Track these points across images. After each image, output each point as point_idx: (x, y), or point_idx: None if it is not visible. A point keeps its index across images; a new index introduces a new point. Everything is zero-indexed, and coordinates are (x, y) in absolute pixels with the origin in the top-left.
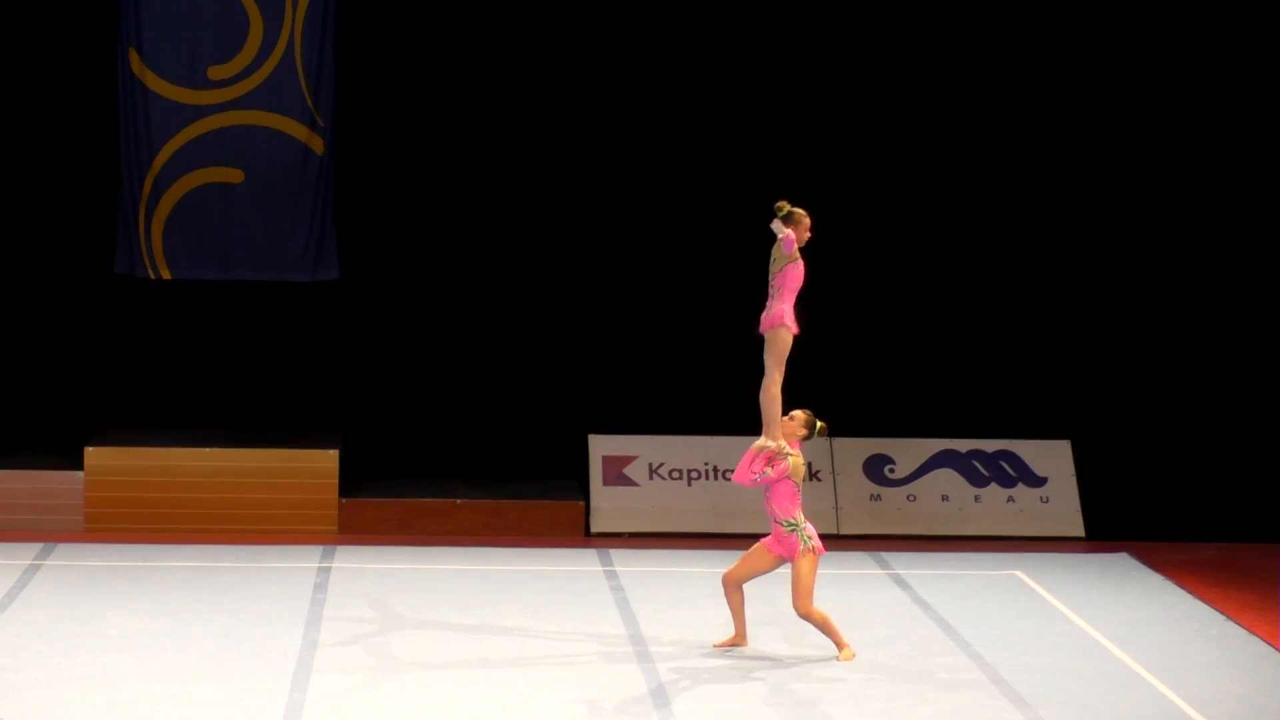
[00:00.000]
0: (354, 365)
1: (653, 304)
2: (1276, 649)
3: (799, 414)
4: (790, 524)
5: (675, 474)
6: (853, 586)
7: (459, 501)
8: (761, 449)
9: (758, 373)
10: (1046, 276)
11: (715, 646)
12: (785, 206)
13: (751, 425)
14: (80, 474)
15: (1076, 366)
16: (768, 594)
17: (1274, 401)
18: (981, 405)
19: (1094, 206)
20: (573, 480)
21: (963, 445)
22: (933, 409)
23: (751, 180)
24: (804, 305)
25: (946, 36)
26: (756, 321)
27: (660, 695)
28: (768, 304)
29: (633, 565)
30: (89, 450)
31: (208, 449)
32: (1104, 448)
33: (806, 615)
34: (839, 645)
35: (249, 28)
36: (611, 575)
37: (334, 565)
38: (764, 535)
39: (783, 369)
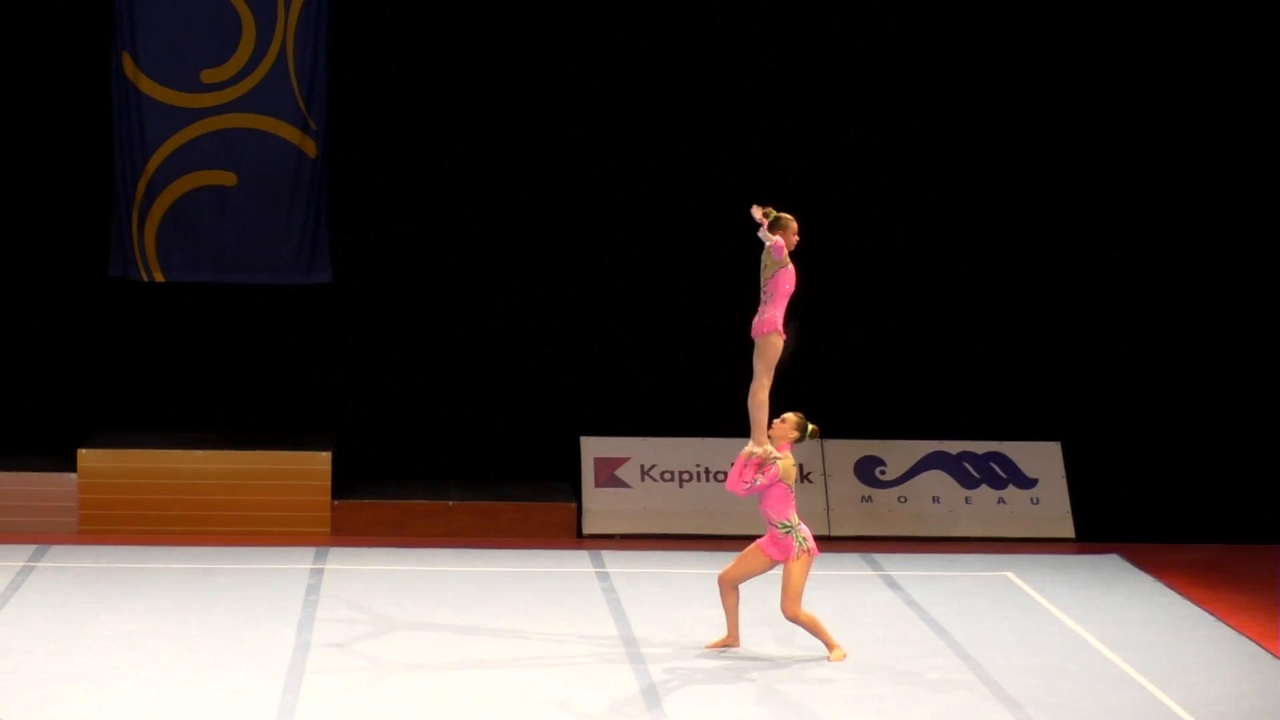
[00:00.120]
0: (347, 367)
1: (645, 306)
2: (1266, 649)
3: (790, 417)
4: (785, 526)
5: (667, 476)
6: (844, 588)
7: (451, 503)
8: (750, 455)
9: (749, 375)
10: (1037, 279)
11: (708, 647)
12: (772, 212)
13: (744, 427)
14: (74, 476)
15: (1067, 368)
16: (760, 595)
17: (1264, 403)
18: (972, 407)
19: (1084, 210)
20: (565, 482)
21: (953, 447)
22: (923, 411)
23: (743, 183)
24: (795, 307)
25: (937, 40)
26: (749, 326)
27: (652, 696)
28: (760, 309)
29: (624, 566)
30: (83, 452)
31: (201, 451)
32: (1094, 449)
33: (794, 618)
34: (829, 646)
35: (242, 31)
36: (603, 576)
37: (326, 566)
38: (757, 536)
39: (772, 375)
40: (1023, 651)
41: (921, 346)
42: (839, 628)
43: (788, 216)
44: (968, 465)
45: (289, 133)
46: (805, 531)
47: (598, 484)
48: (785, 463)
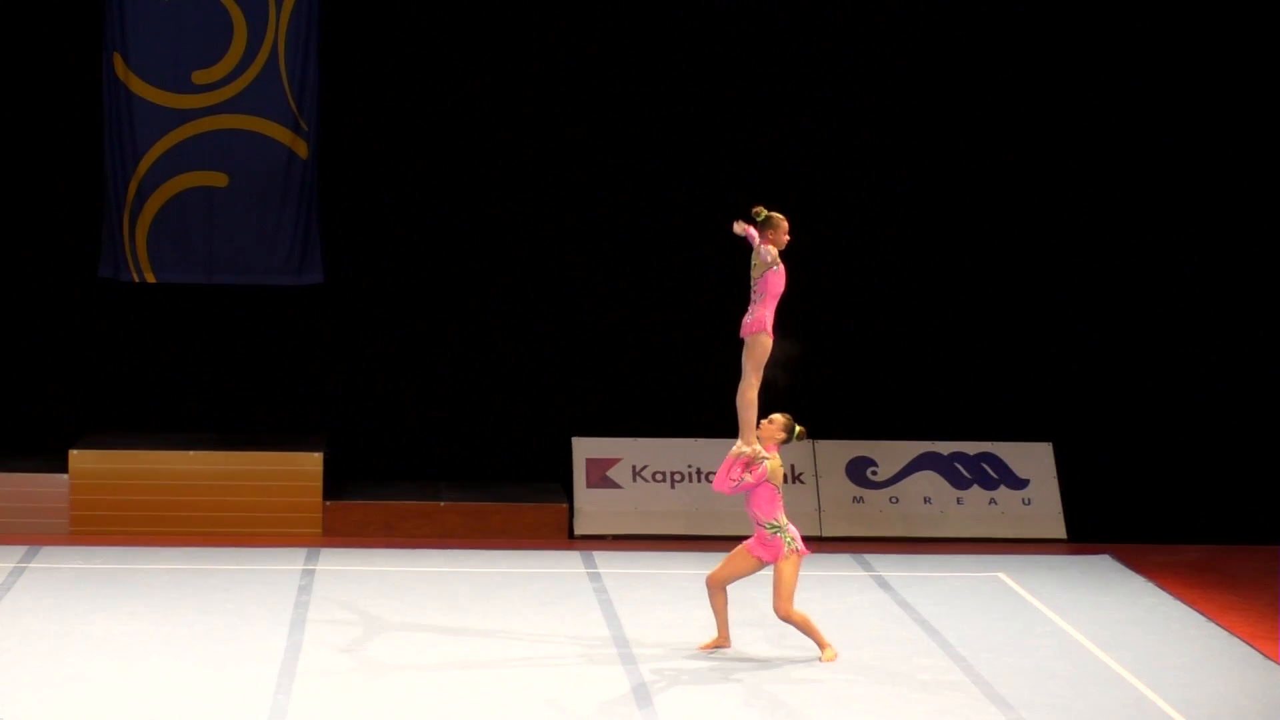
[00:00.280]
0: (338, 368)
1: (636, 307)
2: (1258, 650)
3: (778, 417)
4: (773, 526)
5: (659, 476)
6: (835, 588)
7: (443, 504)
8: (739, 455)
9: (740, 376)
10: (1028, 280)
11: (699, 649)
12: (763, 211)
13: (735, 428)
14: (65, 477)
15: (1058, 369)
16: (749, 596)
17: (1256, 404)
18: (963, 408)
19: (1076, 210)
20: (556, 483)
21: (945, 448)
22: (915, 411)
23: (734, 184)
24: (787, 308)
25: (925, 40)
26: (738, 326)
27: (643, 696)
28: (749, 309)
29: (616, 567)
30: (74, 453)
31: (192, 452)
32: (1086, 450)
33: (787, 617)
34: (821, 646)
35: (233, 32)
36: (595, 577)
37: (318, 567)
38: (748, 537)
39: (760, 374)
40: (1014, 652)
41: (913, 347)
42: (830, 628)
43: (778, 216)
44: (959, 466)
45: (280, 133)
46: (793, 531)
47: (589, 484)
48: (773, 463)
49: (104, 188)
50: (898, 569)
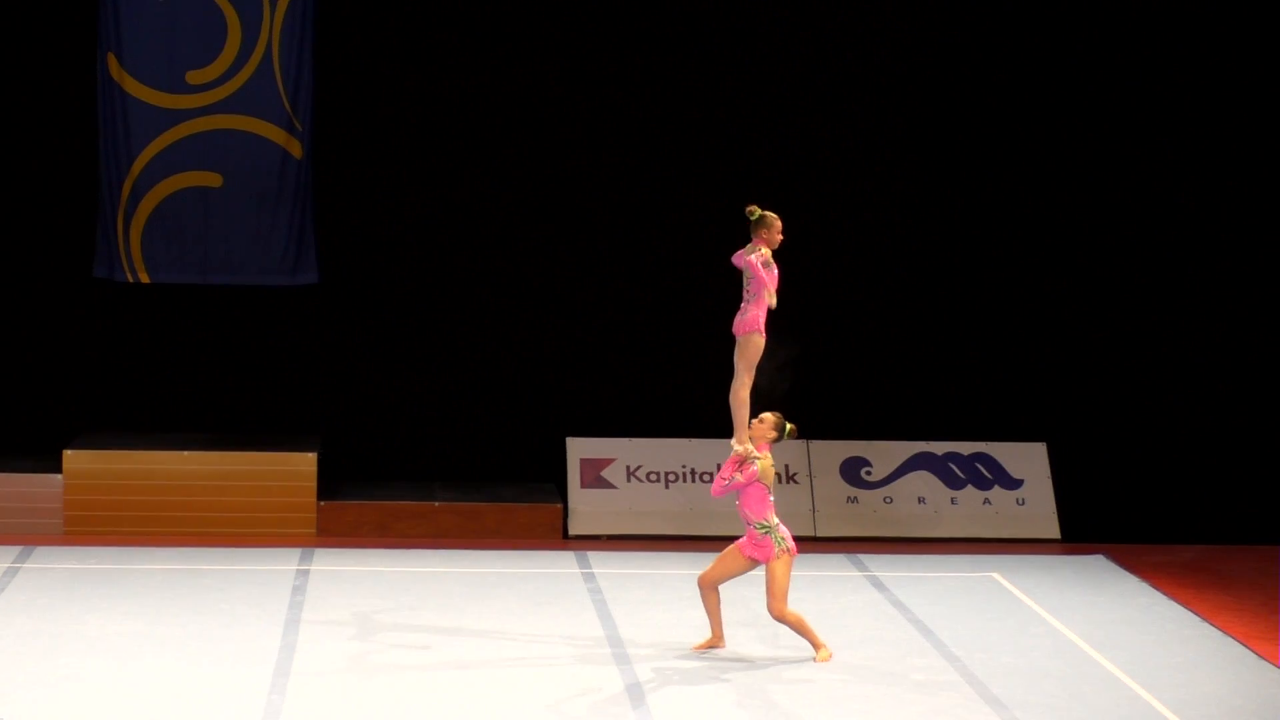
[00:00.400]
0: (333, 368)
1: (630, 307)
2: (1252, 650)
3: (768, 416)
4: (763, 526)
5: (653, 476)
6: (829, 588)
7: (437, 504)
8: (733, 454)
9: (733, 375)
10: (1022, 280)
11: (694, 649)
12: (756, 210)
13: (730, 428)
14: (59, 477)
15: (1052, 369)
16: (742, 596)
17: (1250, 404)
18: (958, 408)
19: (1070, 211)
20: (550, 483)
21: (939, 448)
22: (909, 412)
23: (729, 184)
24: (782, 308)
25: (919, 40)
26: (730, 324)
27: (637, 696)
28: (742, 307)
29: (610, 567)
30: (68, 454)
31: (186, 452)
32: (1080, 450)
33: (781, 617)
34: (816, 646)
35: (227, 33)
36: (589, 577)
37: (312, 567)
38: (740, 538)
39: (753, 373)
40: (1008, 652)
41: (907, 347)
42: (824, 629)
43: (771, 215)
44: (953, 466)
45: (274, 134)
46: (784, 531)
47: (583, 485)
48: (764, 463)
49: (98, 188)
50: (892, 569)
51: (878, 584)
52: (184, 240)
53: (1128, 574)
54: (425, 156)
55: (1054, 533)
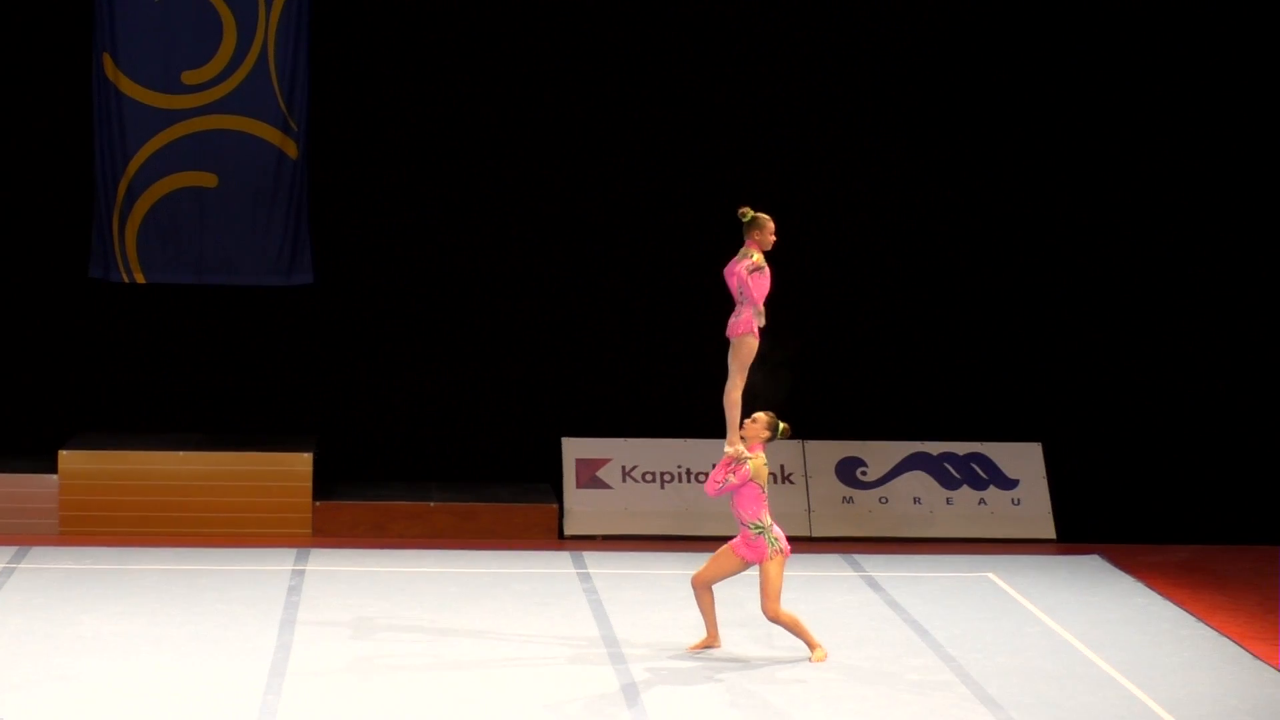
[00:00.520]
0: (328, 369)
1: (626, 308)
2: (1246, 650)
3: (761, 416)
4: (757, 527)
5: (648, 477)
6: (825, 589)
7: (433, 504)
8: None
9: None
10: (1018, 281)
11: (689, 650)
12: (749, 212)
13: (725, 429)
14: (54, 477)
15: (1048, 369)
16: (736, 597)
17: (1244, 404)
18: (953, 408)
19: (1065, 211)
20: (546, 483)
21: (934, 448)
22: (905, 412)
23: (724, 184)
24: (778, 308)
25: (913, 40)
26: (724, 326)
27: (632, 696)
28: (736, 310)
29: (606, 567)
30: (63, 454)
31: (182, 452)
32: (1075, 450)
33: (775, 618)
34: (811, 646)
35: (223, 33)
36: (585, 577)
37: (308, 568)
38: (734, 538)
39: (745, 375)
40: (1004, 652)
41: (903, 347)
42: (820, 629)
43: (764, 216)
44: (949, 466)
45: (270, 134)
46: (777, 532)
47: (579, 485)
48: (756, 463)
49: (94, 188)
50: (887, 569)
51: (873, 584)
52: (179, 240)
53: (1123, 574)
54: (421, 157)
55: (1049, 533)
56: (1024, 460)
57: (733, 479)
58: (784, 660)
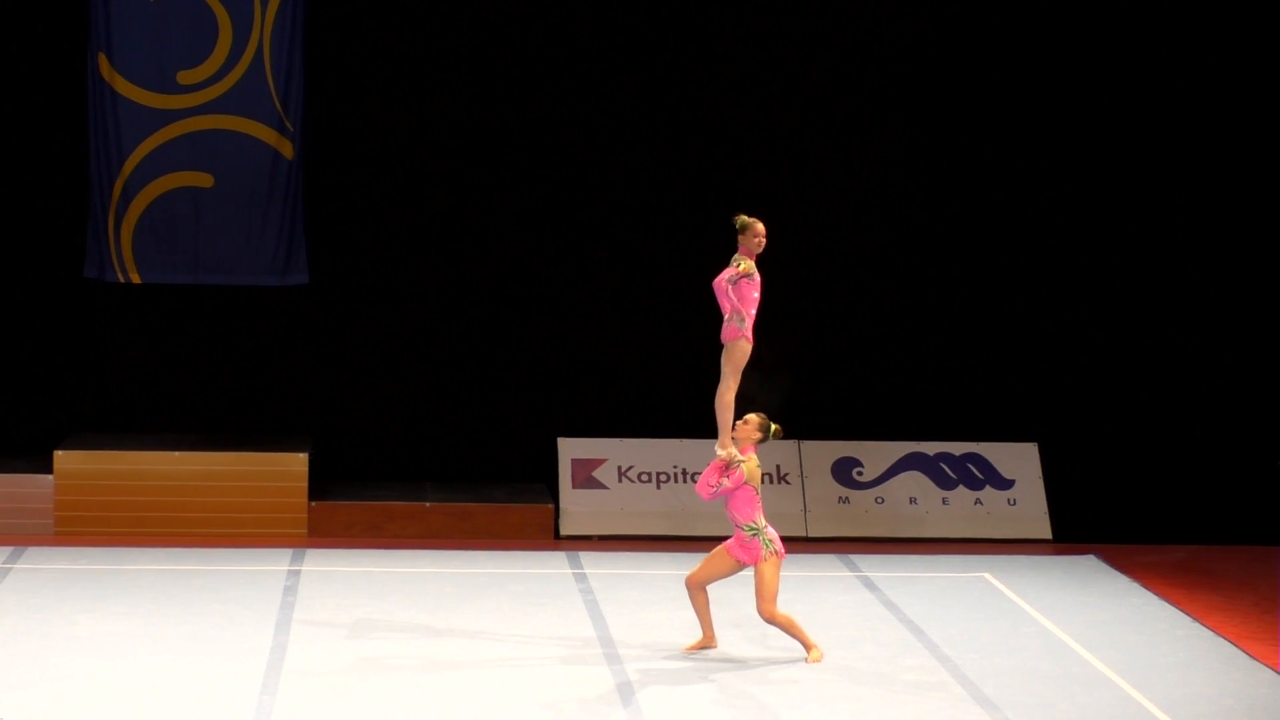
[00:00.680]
0: (324, 369)
1: (621, 308)
2: (1242, 650)
3: (753, 418)
4: (751, 529)
5: (644, 477)
6: (821, 589)
7: (428, 504)
8: (717, 458)
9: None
10: (1014, 281)
11: (685, 650)
12: (741, 219)
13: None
14: (50, 478)
15: (1044, 370)
16: (731, 597)
17: (1241, 405)
18: (949, 408)
19: (1062, 211)
20: (541, 483)
21: (930, 448)
22: (901, 412)
23: (720, 184)
24: (773, 309)
25: (908, 41)
26: (719, 330)
27: (628, 696)
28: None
29: (602, 568)
30: (59, 454)
31: (177, 452)
32: (1071, 450)
33: (772, 619)
34: (807, 646)
35: (218, 33)
36: (581, 578)
37: (303, 568)
38: (729, 538)
39: (738, 378)
40: (1000, 652)
41: (899, 347)
42: (815, 629)
43: (753, 220)
44: (945, 466)
45: (265, 134)
46: (772, 533)
47: (575, 485)
48: (749, 465)
49: (89, 188)
50: (883, 569)
51: (869, 584)
52: (175, 240)
53: (1119, 574)
54: (416, 157)
55: (1045, 533)
56: (1020, 460)
57: (727, 483)
58: (779, 661)
